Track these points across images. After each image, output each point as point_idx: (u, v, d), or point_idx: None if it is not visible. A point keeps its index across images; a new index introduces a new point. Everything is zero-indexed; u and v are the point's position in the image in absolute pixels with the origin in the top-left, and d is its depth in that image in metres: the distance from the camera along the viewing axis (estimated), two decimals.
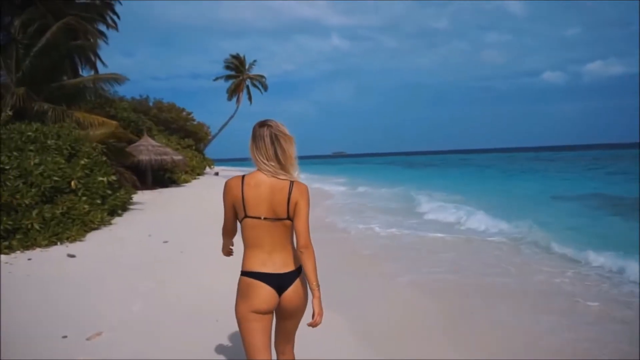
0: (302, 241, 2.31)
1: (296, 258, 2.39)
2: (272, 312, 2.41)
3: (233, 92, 47.75)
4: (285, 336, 2.56)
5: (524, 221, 10.48)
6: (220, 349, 3.87)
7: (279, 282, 2.34)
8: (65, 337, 4.00)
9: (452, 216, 12.03)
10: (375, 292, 5.90)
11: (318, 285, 2.35)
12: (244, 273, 2.36)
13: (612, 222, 11.46)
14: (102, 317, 4.52)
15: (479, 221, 10.98)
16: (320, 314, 2.34)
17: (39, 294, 5.26)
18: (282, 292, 2.36)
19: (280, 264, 2.34)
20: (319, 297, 2.35)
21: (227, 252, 2.70)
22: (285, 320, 2.49)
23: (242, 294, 2.36)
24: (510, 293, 5.87)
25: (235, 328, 3.83)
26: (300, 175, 2.39)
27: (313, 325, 2.35)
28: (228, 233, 2.55)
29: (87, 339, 3.96)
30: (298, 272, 2.39)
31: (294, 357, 2.63)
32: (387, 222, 11.94)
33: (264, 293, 2.32)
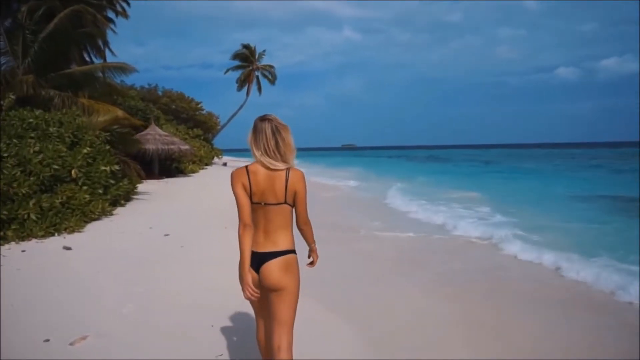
0: (302, 220, 2.65)
1: (289, 242, 2.58)
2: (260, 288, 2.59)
3: (243, 83, 47.38)
4: (276, 323, 2.57)
5: (533, 223, 10.22)
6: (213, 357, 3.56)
7: (259, 259, 2.54)
8: (47, 340, 3.71)
9: (459, 218, 11.21)
10: (379, 293, 5.55)
11: (314, 242, 2.83)
12: None
13: (618, 225, 10.89)
14: (90, 319, 4.22)
15: (490, 223, 10.46)
16: (317, 258, 2.87)
17: (27, 291, 4.97)
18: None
19: (268, 244, 2.55)
20: (316, 250, 2.86)
21: (248, 279, 2.53)
22: (270, 299, 2.58)
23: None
24: (519, 296, 5.57)
25: (231, 335, 4.00)
26: (295, 162, 2.59)
27: (310, 265, 2.87)
28: (245, 222, 2.52)
29: (70, 344, 3.67)
30: (285, 252, 2.56)
31: (291, 356, 2.57)
32: (390, 221, 11.57)
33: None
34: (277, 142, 2.49)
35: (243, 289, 2.54)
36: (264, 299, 2.62)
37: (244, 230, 2.52)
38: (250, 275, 2.53)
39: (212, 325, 4.13)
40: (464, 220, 10.71)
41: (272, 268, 2.53)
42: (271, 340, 2.59)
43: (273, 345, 2.56)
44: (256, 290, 2.54)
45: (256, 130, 2.54)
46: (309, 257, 2.88)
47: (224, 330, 4.06)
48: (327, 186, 21.09)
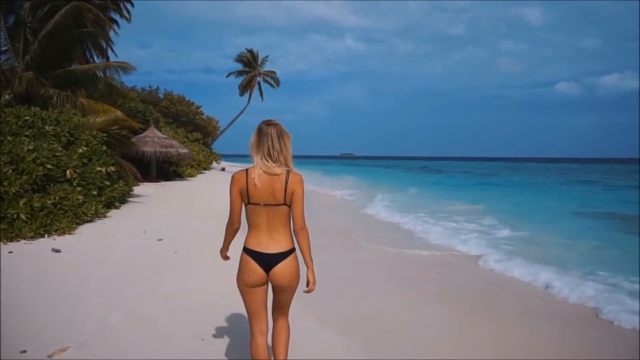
0: (299, 224, 2.66)
1: (289, 241, 2.69)
2: (263, 285, 2.72)
3: (245, 88, 47.34)
4: (279, 308, 2.84)
5: (531, 237, 10.10)
6: None
7: (267, 261, 2.65)
8: (24, 351, 3.47)
9: (453, 230, 10.87)
10: (372, 306, 5.32)
11: (311, 260, 2.73)
12: (244, 249, 2.71)
13: (617, 241, 10.70)
14: (74, 328, 3.98)
15: (487, 237, 10.16)
16: (314, 283, 2.72)
17: (11, 295, 4.72)
18: (270, 269, 2.66)
19: (272, 245, 2.65)
20: (312, 269, 2.74)
21: (225, 255, 2.97)
22: (278, 294, 2.77)
23: (239, 268, 2.73)
24: (515, 311, 5.33)
25: (222, 346, 3.82)
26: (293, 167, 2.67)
27: (308, 292, 2.73)
28: (233, 223, 2.76)
29: (49, 356, 3.43)
30: (289, 253, 2.67)
31: (287, 325, 2.88)
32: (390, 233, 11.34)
33: (251, 269, 2.67)
34: (281, 147, 2.59)
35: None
36: (264, 293, 2.76)
37: (230, 227, 2.80)
38: (225, 254, 2.95)
39: (202, 339, 3.90)
40: (460, 233, 10.48)
41: (284, 273, 2.66)
42: (271, 314, 2.87)
43: (273, 318, 2.87)
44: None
45: (261, 133, 2.61)
46: (307, 279, 2.71)
47: (215, 342, 3.83)
48: (321, 194, 20.79)
